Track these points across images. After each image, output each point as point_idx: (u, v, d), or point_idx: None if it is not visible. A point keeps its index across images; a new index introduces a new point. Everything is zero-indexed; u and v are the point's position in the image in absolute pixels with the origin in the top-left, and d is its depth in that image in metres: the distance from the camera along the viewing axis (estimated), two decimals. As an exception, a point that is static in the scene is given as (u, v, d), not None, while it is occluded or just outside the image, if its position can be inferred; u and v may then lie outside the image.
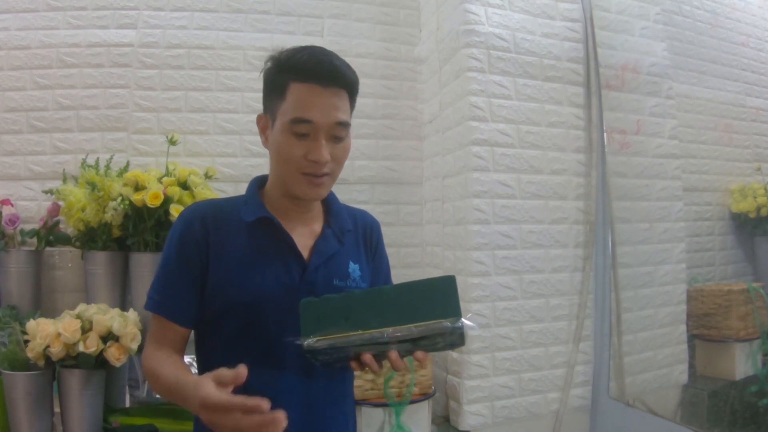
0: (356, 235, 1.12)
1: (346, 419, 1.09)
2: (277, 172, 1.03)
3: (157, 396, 2.02)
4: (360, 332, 0.81)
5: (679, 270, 2.14)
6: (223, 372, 0.79)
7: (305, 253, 1.03)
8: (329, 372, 1.01)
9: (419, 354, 0.85)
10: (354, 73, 1.01)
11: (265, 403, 0.75)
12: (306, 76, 0.95)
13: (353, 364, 0.87)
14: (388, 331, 0.79)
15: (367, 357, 0.84)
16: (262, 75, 1.03)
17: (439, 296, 0.80)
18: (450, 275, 0.84)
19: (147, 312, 1.03)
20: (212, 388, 0.78)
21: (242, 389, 0.83)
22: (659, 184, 2.18)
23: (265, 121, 1.03)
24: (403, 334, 0.79)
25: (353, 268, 1.07)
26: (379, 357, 0.85)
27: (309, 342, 0.81)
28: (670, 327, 2.12)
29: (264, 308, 0.98)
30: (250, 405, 0.75)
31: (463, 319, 0.80)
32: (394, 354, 0.82)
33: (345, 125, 0.99)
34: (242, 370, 0.78)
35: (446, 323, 0.79)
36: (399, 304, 0.81)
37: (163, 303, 1.00)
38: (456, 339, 0.82)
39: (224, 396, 0.77)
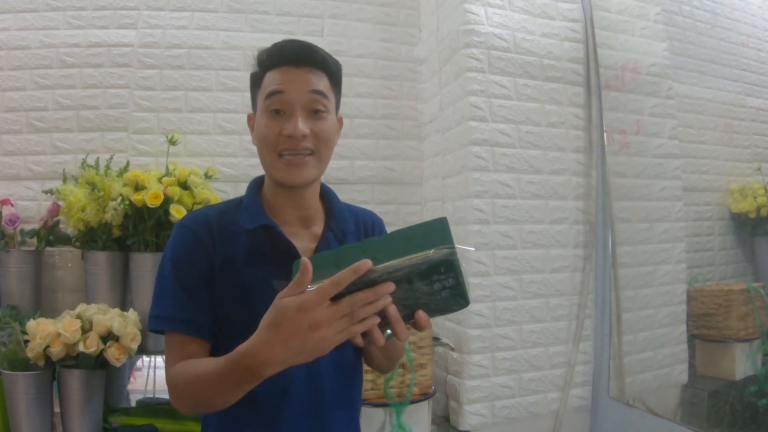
0: (357, 235, 1.10)
1: (353, 423, 1.07)
2: (263, 165, 1.01)
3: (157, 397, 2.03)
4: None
5: (679, 270, 2.14)
6: (287, 288, 0.73)
7: (307, 257, 1.02)
8: (337, 375, 1.00)
9: (421, 315, 0.78)
10: (331, 57, 1.01)
11: (367, 263, 0.70)
12: (277, 61, 0.97)
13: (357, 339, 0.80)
14: (379, 267, 0.74)
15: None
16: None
17: (431, 235, 0.76)
18: (442, 217, 0.80)
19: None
20: (299, 295, 0.71)
21: (249, 392, 0.81)
22: (659, 184, 2.18)
23: (252, 118, 1.05)
24: (395, 268, 0.74)
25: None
26: (382, 327, 0.78)
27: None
28: (670, 327, 2.12)
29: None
30: (357, 266, 0.70)
31: (455, 245, 0.76)
32: (392, 308, 0.75)
33: (321, 94, 0.97)
34: (306, 263, 0.71)
35: (438, 251, 0.74)
36: (390, 247, 0.77)
37: (186, 320, 0.93)
38: (454, 282, 0.76)
39: (322, 283, 0.70)
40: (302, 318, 0.71)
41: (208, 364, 0.85)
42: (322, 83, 0.97)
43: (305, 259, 0.73)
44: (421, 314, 0.78)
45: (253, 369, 0.75)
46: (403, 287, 0.75)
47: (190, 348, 0.93)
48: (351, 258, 0.74)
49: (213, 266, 0.96)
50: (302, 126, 0.94)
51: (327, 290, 0.70)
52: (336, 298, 0.73)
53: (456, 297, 0.78)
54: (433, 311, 0.79)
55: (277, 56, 0.98)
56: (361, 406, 1.13)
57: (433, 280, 0.76)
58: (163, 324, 0.94)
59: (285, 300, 0.72)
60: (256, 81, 1.02)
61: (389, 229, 0.93)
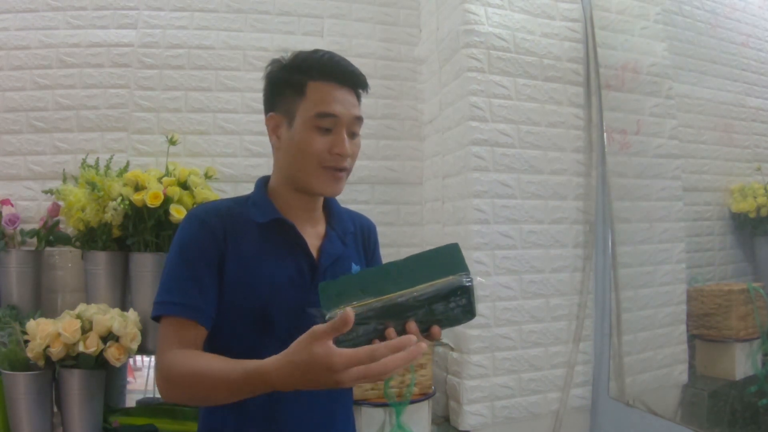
0: (355, 237, 1.15)
1: (347, 415, 1.11)
2: (291, 169, 1.03)
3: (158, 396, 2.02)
4: (378, 298, 0.83)
5: (679, 270, 2.14)
6: (324, 328, 0.74)
7: (314, 253, 1.05)
8: None
9: (435, 330, 0.86)
10: (365, 77, 1.07)
11: (411, 338, 0.76)
12: (326, 75, 1.00)
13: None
14: (405, 293, 0.82)
15: (391, 331, 0.82)
16: (265, 77, 1.06)
17: (447, 260, 0.85)
18: (454, 243, 0.89)
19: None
20: (327, 348, 0.73)
21: None
22: (659, 184, 2.18)
23: (278, 120, 1.04)
24: (419, 293, 0.82)
25: (355, 269, 1.09)
26: (399, 334, 0.86)
27: (330, 315, 0.82)
28: (670, 327, 2.12)
29: (277, 308, 0.98)
30: (398, 343, 0.74)
31: (472, 276, 0.84)
32: (413, 324, 0.84)
33: (361, 121, 1.05)
34: (348, 315, 0.73)
35: (458, 277, 0.83)
36: (410, 272, 0.86)
37: (186, 305, 0.95)
38: (466, 302, 0.85)
39: (359, 350, 0.73)
40: (331, 376, 0.73)
41: (214, 364, 0.85)
42: (359, 107, 1.05)
43: (348, 310, 0.75)
44: (435, 329, 0.86)
45: (268, 388, 0.79)
46: (423, 308, 0.84)
47: (188, 334, 0.94)
48: (376, 282, 0.84)
49: (223, 256, 0.98)
50: (348, 147, 1.01)
51: (360, 359, 0.73)
52: (370, 321, 0.81)
53: (466, 312, 0.88)
54: (445, 325, 0.89)
55: (326, 71, 1.01)
56: (352, 396, 1.17)
57: (450, 301, 0.85)
58: (165, 308, 0.95)
59: (319, 353, 0.73)
60: (292, 86, 1.02)
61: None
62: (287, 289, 0.99)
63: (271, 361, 0.78)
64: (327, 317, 0.82)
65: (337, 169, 1.01)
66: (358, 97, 1.06)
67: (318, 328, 0.74)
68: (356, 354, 0.73)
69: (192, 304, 0.95)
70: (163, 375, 0.91)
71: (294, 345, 0.76)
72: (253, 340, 0.98)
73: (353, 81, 1.03)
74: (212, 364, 0.85)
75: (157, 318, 0.97)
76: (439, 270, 0.84)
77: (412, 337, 0.76)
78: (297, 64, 1.02)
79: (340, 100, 1.00)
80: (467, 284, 0.83)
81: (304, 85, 1.00)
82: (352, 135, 1.03)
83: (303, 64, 1.02)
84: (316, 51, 1.03)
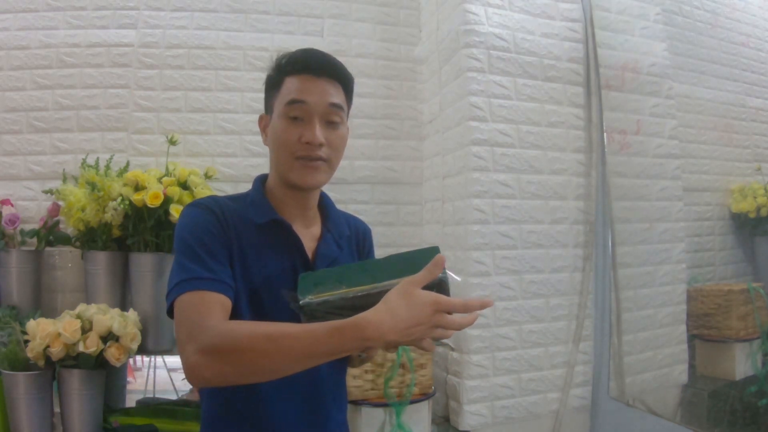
0: (350, 240, 1.15)
1: (342, 405, 1.12)
2: (275, 163, 1.05)
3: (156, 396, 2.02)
4: (352, 288, 0.86)
5: (679, 270, 2.14)
6: (417, 277, 0.83)
7: (309, 254, 1.05)
8: (334, 374, 1.04)
9: None
10: (347, 70, 1.06)
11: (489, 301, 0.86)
12: (299, 68, 1.01)
13: None
14: (379, 285, 0.84)
15: None
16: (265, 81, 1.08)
17: (425, 260, 0.86)
18: (435, 246, 0.92)
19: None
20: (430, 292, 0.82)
21: (249, 389, 0.85)
22: (659, 184, 2.18)
23: (266, 120, 1.07)
24: (393, 286, 0.83)
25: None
26: None
27: (305, 300, 0.86)
28: (670, 327, 2.12)
29: (270, 304, 0.98)
30: (485, 301, 0.84)
31: (447, 271, 0.86)
32: None
33: (338, 107, 1.02)
34: (440, 260, 0.84)
35: None
36: (389, 268, 0.88)
37: (208, 278, 0.89)
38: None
39: (456, 299, 0.83)
40: (434, 317, 0.81)
41: (286, 326, 0.82)
42: (338, 96, 1.03)
43: (440, 255, 0.85)
44: None
45: (358, 341, 0.79)
46: None
47: (219, 307, 0.88)
48: (354, 275, 0.87)
49: (230, 243, 0.97)
50: (319, 135, 0.99)
51: (457, 305, 0.83)
52: (344, 308, 0.84)
53: None
54: None
55: (299, 64, 1.01)
56: (346, 386, 1.17)
57: None
58: (190, 285, 0.88)
59: (426, 295, 0.81)
60: (273, 84, 1.04)
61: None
62: (282, 286, 0.98)
63: (367, 311, 0.80)
64: (301, 302, 0.86)
65: (309, 158, 0.99)
66: (346, 90, 1.05)
67: (411, 277, 0.82)
68: (456, 301, 0.83)
69: (217, 278, 0.90)
70: (214, 346, 0.81)
71: (388, 295, 0.81)
72: None
73: (329, 71, 1.02)
74: (284, 326, 0.82)
75: (170, 311, 0.90)
76: (417, 267, 0.85)
77: (490, 300, 0.87)
78: (278, 63, 1.04)
79: (311, 89, 0.99)
80: (442, 279, 0.85)
81: (282, 80, 1.02)
82: (330, 124, 1.01)
83: (282, 62, 1.03)
84: (299, 49, 1.04)
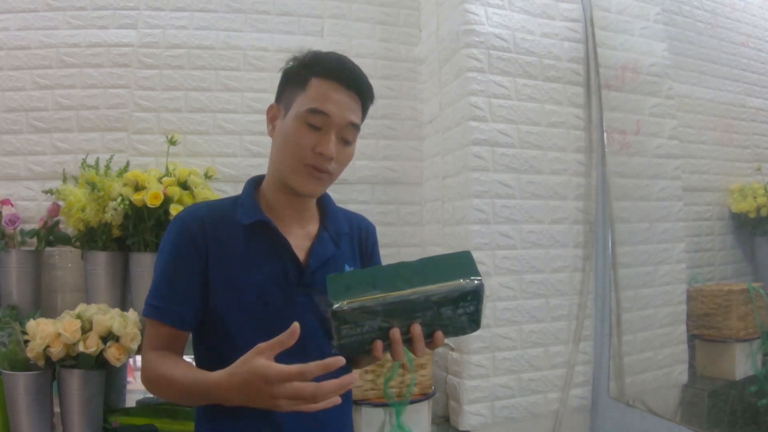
0: (351, 238, 1.13)
1: (347, 419, 1.10)
2: (277, 163, 1.03)
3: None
4: (389, 293, 0.83)
5: (679, 270, 2.14)
6: (268, 343, 0.78)
7: (301, 255, 1.04)
8: (332, 373, 1.02)
9: (438, 336, 0.87)
10: (372, 90, 1.05)
11: (341, 360, 0.77)
12: (330, 74, 0.99)
13: (375, 347, 0.85)
14: (417, 291, 0.82)
15: (396, 332, 0.83)
16: (281, 72, 1.06)
17: (459, 264, 0.86)
18: (466, 250, 0.91)
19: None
20: (267, 361, 0.77)
21: None
22: (659, 184, 2.18)
23: (276, 111, 1.05)
24: (431, 293, 0.82)
25: (348, 270, 1.08)
26: (404, 335, 0.86)
27: (339, 305, 0.81)
28: (670, 327, 2.12)
29: (261, 310, 0.98)
30: (328, 363, 0.76)
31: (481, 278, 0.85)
32: (417, 327, 0.84)
33: (355, 128, 1.02)
34: (296, 328, 0.77)
35: (470, 280, 0.85)
36: (422, 272, 0.85)
37: (163, 308, 0.98)
38: (474, 309, 0.86)
39: (292, 366, 0.76)
40: (266, 388, 0.77)
41: (177, 372, 0.92)
42: (358, 115, 1.03)
43: (296, 324, 0.77)
44: (439, 334, 0.87)
45: (213, 400, 0.86)
46: (432, 310, 0.84)
47: (165, 336, 0.98)
48: (388, 279, 0.84)
49: (206, 262, 0.99)
50: (333, 149, 0.98)
51: (291, 373, 0.76)
52: (377, 318, 0.82)
53: (471, 322, 0.88)
54: (449, 333, 0.88)
55: (334, 71, 1.00)
56: (351, 396, 1.18)
57: (459, 306, 0.85)
58: (146, 310, 1.00)
59: (257, 365, 0.77)
60: (297, 80, 1.01)
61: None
62: (271, 289, 0.99)
63: (216, 375, 0.83)
64: (334, 306, 0.82)
65: (318, 169, 0.99)
66: (364, 109, 1.05)
67: (261, 344, 0.78)
68: (289, 369, 0.76)
69: (169, 309, 0.98)
70: (143, 375, 0.98)
71: (239, 359, 0.80)
72: (245, 340, 0.98)
73: (358, 86, 1.01)
74: (175, 370, 0.92)
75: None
76: (451, 272, 0.84)
77: (342, 360, 0.77)
78: (307, 59, 1.02)
79: (338, 101, 0.98)
80: (478, 289, 0.84)
81: (308, 79, 0.99)
82: (345, 142, 1.01)
83: (312, 60, 1.01)
84: (328, 52, 1.03)
